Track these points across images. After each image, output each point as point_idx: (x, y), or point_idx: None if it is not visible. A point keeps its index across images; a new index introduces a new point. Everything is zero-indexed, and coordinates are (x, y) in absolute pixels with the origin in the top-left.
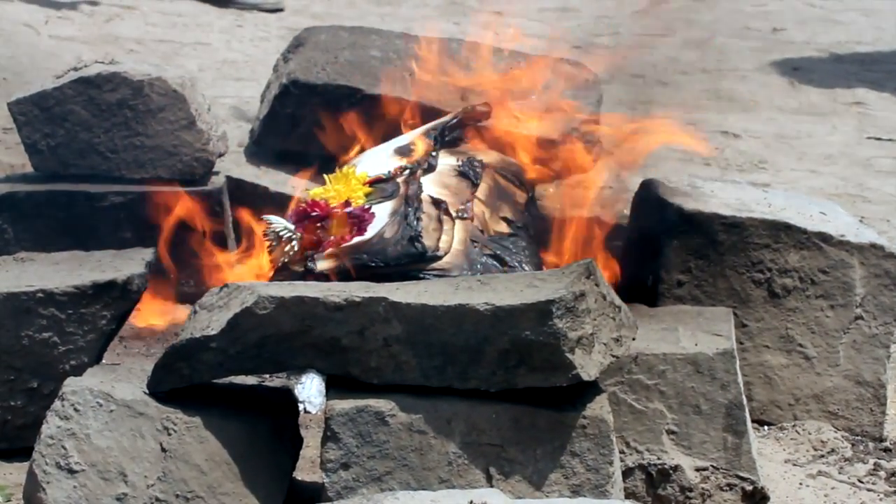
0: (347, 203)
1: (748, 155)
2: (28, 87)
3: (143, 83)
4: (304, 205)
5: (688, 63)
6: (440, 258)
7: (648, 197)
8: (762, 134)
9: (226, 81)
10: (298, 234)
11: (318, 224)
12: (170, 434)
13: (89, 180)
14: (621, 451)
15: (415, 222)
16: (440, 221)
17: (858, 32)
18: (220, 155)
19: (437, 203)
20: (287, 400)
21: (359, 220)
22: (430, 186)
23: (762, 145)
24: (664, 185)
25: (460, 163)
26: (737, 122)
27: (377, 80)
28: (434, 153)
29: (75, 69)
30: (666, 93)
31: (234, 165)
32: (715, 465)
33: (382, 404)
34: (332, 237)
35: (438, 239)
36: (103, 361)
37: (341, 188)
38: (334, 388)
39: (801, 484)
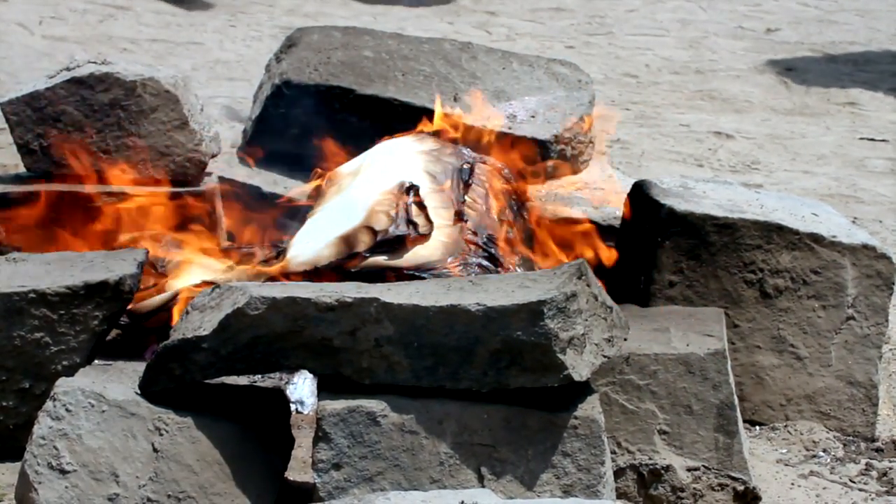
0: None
1: (741, 155)
2: (21, 87)
3: (135, 83)
4: None
5: (681, 63)
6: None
7: (641, 198)
8: (755, 134)
9: (219, 81)
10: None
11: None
12: (161, 434)
13: (81, 181)
14: (613, 452)
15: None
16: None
17: (852, 33)
18: (213, 155)
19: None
20: (279, 400)
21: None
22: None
23: (755, 146)
24: (657, 185)
25: (453, 164)
26: (730, 123)
27: (370, 81)
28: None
29: (68, 69)
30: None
31: (227, 166)
32: (706, 465)
33: (374, 405)
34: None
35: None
36: (95, 362)
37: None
38: (326, 388)
39: (792, 484)
